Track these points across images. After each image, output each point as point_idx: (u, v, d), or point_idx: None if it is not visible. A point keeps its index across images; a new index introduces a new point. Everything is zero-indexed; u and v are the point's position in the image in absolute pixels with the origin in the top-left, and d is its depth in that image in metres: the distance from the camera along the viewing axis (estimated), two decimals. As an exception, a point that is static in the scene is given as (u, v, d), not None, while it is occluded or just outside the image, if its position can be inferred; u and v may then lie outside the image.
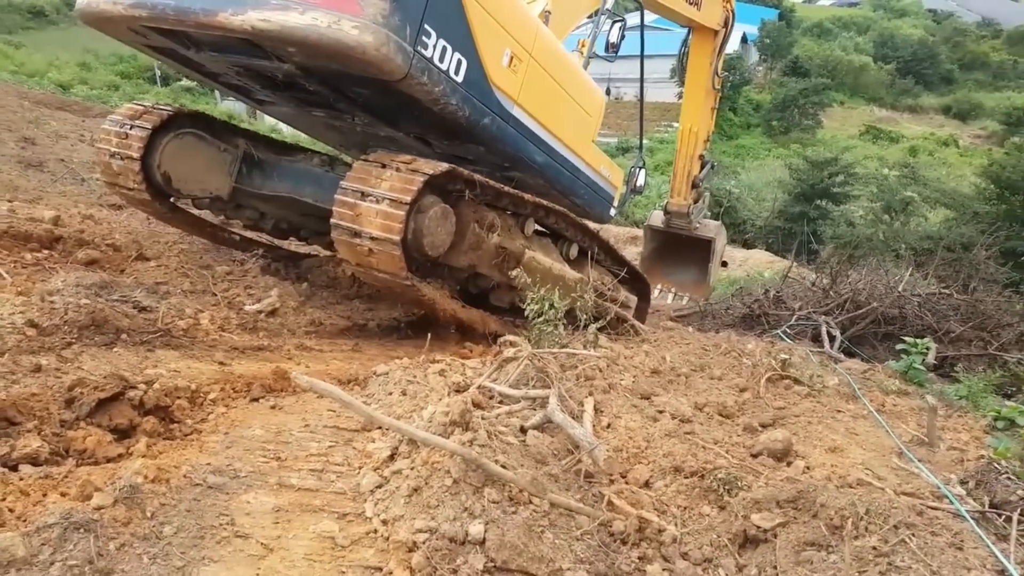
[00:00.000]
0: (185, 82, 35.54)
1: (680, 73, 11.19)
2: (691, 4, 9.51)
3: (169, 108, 6.53)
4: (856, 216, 24.69)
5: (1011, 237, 16.75)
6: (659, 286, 12.39)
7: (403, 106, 5.30)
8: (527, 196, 6.19)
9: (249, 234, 7.79)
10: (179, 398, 3.96)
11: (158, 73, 38.69)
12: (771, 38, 68.12)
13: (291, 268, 7.26)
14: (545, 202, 6.45)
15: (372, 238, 5.06)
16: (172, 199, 6.77)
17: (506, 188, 5.95)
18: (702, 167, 11.54)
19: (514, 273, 5.54)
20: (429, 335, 5.59)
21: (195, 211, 7.18)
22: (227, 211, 7.28)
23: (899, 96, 68.37)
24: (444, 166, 5.25)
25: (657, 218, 12.17)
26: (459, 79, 5.06)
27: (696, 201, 11.67)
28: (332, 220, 5.24)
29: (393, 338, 6.61)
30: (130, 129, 6.24)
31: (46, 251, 6.28)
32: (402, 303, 6.67)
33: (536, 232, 6.74)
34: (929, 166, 33.10)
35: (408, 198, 4.97)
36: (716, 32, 10.57)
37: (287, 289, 6.47)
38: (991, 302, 9.85)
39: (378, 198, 5.05)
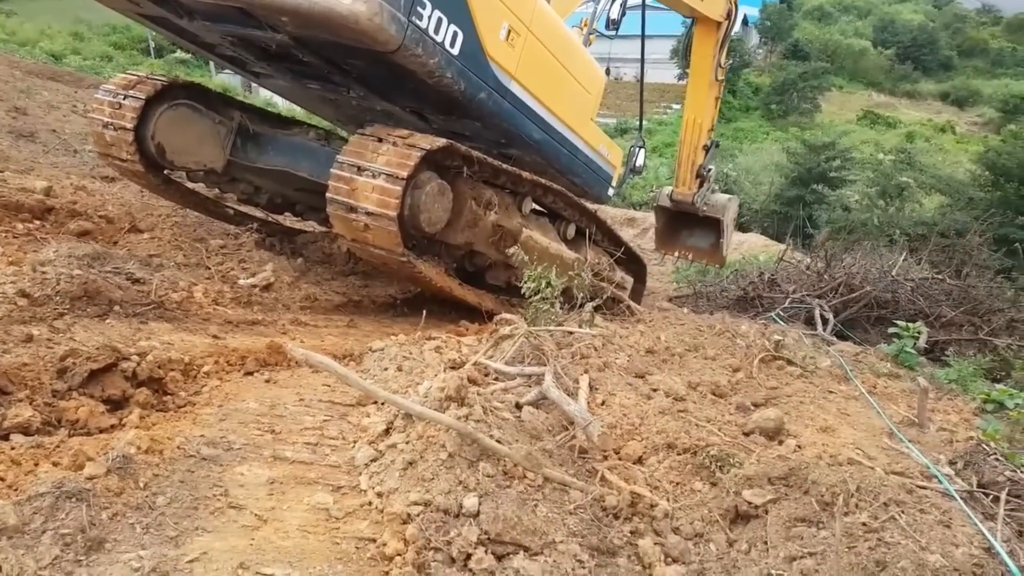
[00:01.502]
0: (180, 54, 35.06)
1: (683, 64, 11.06)
2: None
3: (163, 79, 6.45)
4: (852, 201, 24.67)
5: (1004, 224, 16.84)
6: (676, 253, 12.42)
7: (398, 78, 5.24)
8: (525, 174, 6.15)
9: (243, 208, 7.73)
10: (172, 370, 3.96)
11: (152, 44, 38.19)
12: (772, 21, 67.69)
13: (286, 243, 7.23)
14: (543, 180, 6.41)
15: (368, 213, 5.03)
16: (165, 171, 6.71)
17: (504, 165, 5.91)
18: (706, 153, 11.47)
19: (511, 251, 5.52)
20: (425, 312, 5.58)
21: (189, 184, 7.12)
22: (221, 184, 7.22)
23: (898, 81, 68.20)
24: (442, 141, 5.21)
25: (665, 197, 12.10)
26: (455, 52, 4.99)
27: (701, 186, 11.60)
28: (328, 194, 5.20)
29: (389, 315, 6.60)
30: (123, 99, 6.16)
31: (38, 221, 6.23)
32: (398, 280, 6.65)
33: (534, 211, 6.71)
34: (925, 152, 33.02)
35: (405, 173, 4.94)
36: (719, 24, 10.48)
37: (282, 264, 6.45)
38: (983, 288, 9.89)
39: (375, 173, 5.01)
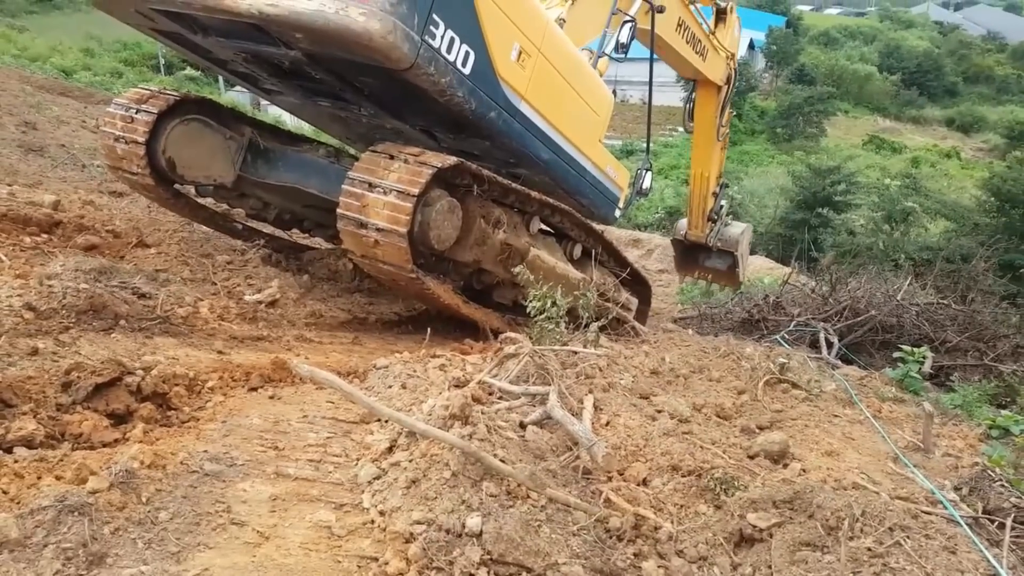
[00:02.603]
0: (189, 70, 35.51)
1: (686, 123, 11.62)
2: (697, 54, 9.67)
3: (176, 93, 6.51)
4: (857, 225, 24.71)
5: (1010, 250, 16.82)
6: (696, 275, 13.03)
7: (409, 97, 5.28)
8: (533, 193, 6.19)
9: (252, 223, 7.76)
10: (177, 385, 3.95)
11: (162, 61, 38.68)
12: (778, 45, 68.13)
13: (292, 259, 7.25)
14: (551, 200, 6.44)
15: (378, 229, 5.06)
16: (176, 185, 6.75)
17: (513, 184, 5.95)
18: (715, 199, 11.91)
19: (516, 270, 5.54)
20: (429, 330, 5.58)
21: (198, 198, 7.16)
22: (230, 199, 7.25)
23: (903, 107, 68.47)
24: (452, 159, 5.26)
25: (680, 232, 12.69)
26: (466, 71, 5.04)
27: (713, 226, 12.08)
28: (338, 210, 5.23)
29: (393, 332, 6.60)
30: (136, 113, 6.21)
31: (45, 235, 6.27)
32: (406, 297, 6.66)
33: (541, 231, 6.73)
34: (931, 177, 33.09)
35: (416, 190, 4.97)
36: (720, 88, 10.83)
37: (288, 280, 6.46)
38: (988, 314, 9.87)
39: (386, 189, 5.05)
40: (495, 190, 5.85)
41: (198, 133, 6.53)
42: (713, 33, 10.08)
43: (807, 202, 27.54)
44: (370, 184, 5.13)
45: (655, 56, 8.11)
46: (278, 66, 5.52)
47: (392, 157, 5.24)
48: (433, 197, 5.23)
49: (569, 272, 6.83)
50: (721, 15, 10.52)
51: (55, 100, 14.62)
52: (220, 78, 33.81)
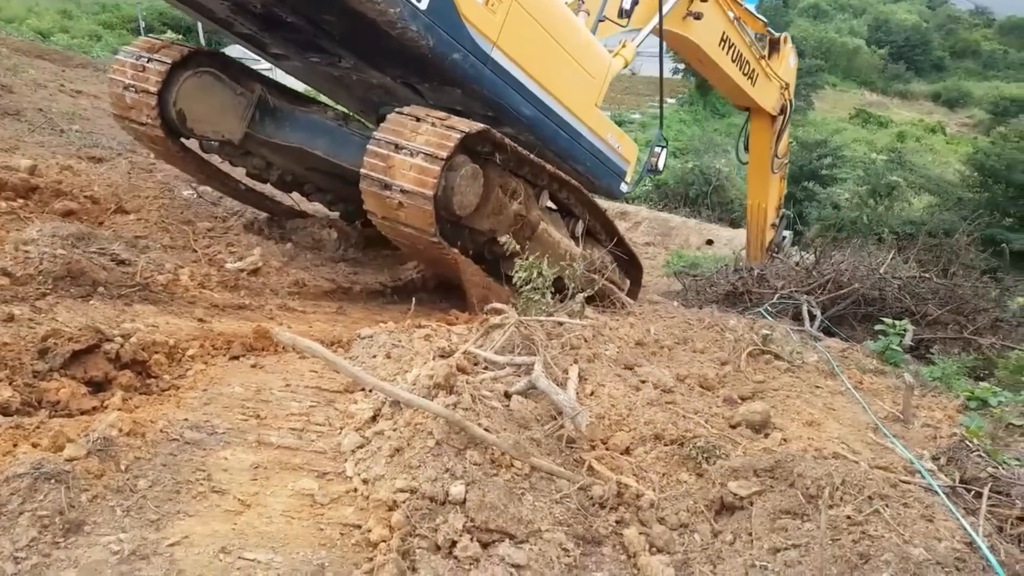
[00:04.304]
0: (170, 34, 34.75)
1: (740, 154, 11.47)
2: (746, 76, 9.45)
3: (188, 45, 6.35)
4: (842, 199, 24.83)
5: (992, 224, 17.02)
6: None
7: (368, 34, 5.12)
8: (548, 167, 6.14)
9: (251, 184, 7.60)
10: (156, 353, 3.91)
11: (142, 24, 37.82)
12: (767, 17, 67.62)
13: (275, 228, 7.15)
14: (562, 174, 6.38)
15: (403, 191, 5.03)
16: (183, 139, 6.60)
17: (530, 156, 5.91)
18: (775, 230, 11.89)
19: (503, 240, 5.51)
20: (414, 300, 5.56)
21: (203, 154, 7.01)
22: (234, 157, 7.09)
23: (890, 81, 68.48)
24: (479, 125, 5.24)
25: (740, 261, 12.61)
26: (421, 6, 4.93)
27: (773, 259, 12.06)
28: (362, 171, 5.20)
29: (378, 302, 6.56)
30: (148, 62, 6.04)
31: (21, 200, 6.10)
32: (422, 261, 6.60)
33: (547, 207, 6.69)
34: (916, 152, 33.21)
35: (444, 153, 4.95)
36: (774, 118, 10.64)
37: (270, 249, 6.39)
38: (969, 287, 9.98)
39: (413, 151, 5.01)
40: (513, 160, 5.83)
41: (210, 87, 6.38)
42: (765, 58, 9.91)
43: (793, 175, 27.44)
44: (397, 145, 5.09)
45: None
46: (257, 15, 5.41)
47: (419, 120, 5.19)
48: (458, 162, 5.21)
49: (572, 248, 6.78)
50: (775, 45, 10.38)
51: (32, 63, 14.23)
52: (203, 41, 33.14)
